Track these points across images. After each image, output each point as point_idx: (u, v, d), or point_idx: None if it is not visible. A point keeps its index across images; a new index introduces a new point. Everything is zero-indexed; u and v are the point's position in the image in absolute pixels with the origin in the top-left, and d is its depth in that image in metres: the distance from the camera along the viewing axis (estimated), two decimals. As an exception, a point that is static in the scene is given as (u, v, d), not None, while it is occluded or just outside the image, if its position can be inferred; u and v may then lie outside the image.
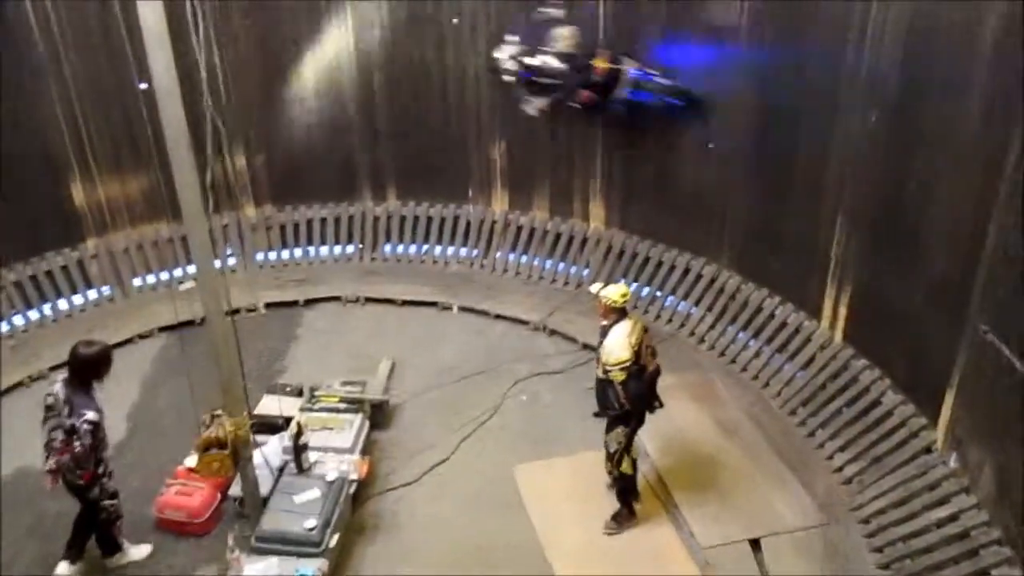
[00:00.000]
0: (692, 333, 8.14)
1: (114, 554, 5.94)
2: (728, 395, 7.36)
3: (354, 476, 6.29)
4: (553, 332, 8.35)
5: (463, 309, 8.77)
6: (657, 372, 5.99)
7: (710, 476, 6.51)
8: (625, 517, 6.17)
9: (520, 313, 8.58)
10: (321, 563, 5.56)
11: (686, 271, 8.46)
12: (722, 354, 7.87)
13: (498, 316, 8.62)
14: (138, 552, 6.04)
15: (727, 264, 8.21)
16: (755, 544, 5.98)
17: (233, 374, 5.57)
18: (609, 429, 5.96)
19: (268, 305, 8.80)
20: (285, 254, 9.65)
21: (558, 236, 9.26)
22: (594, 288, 5.98)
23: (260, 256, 9.60)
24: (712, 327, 8.08)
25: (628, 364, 5.67)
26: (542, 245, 9.31)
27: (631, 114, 7.95)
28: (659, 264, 8.65)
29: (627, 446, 5.96)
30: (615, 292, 5.86)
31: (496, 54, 8.02)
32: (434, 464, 6.84)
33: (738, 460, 6.65)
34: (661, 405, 6.04)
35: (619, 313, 5.83)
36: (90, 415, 5.33)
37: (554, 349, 8.16)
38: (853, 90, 6.45)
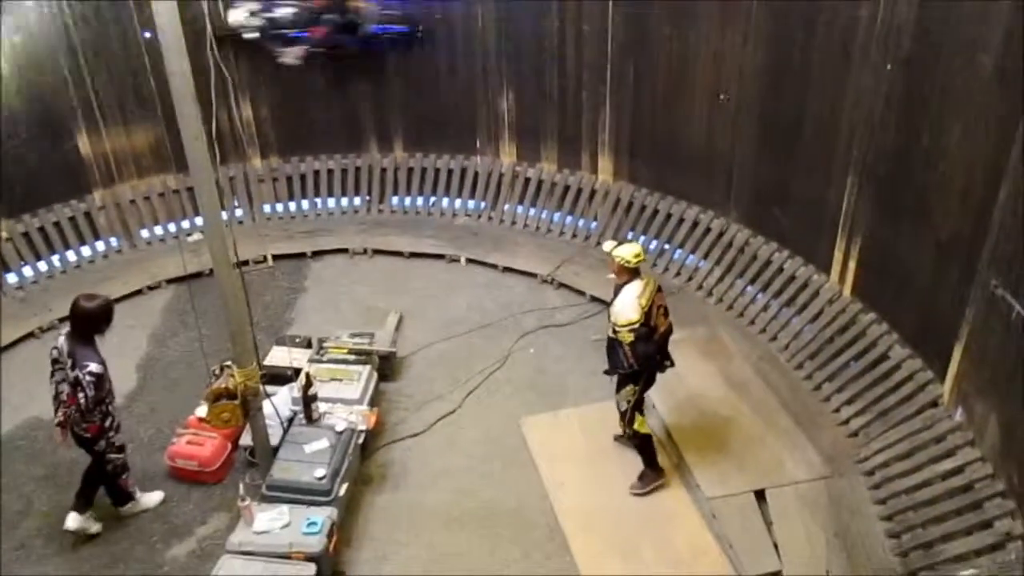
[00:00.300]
0: (700, 287, 8.13)
1: (126, 504, 6.04)
2: (736, 349, 7.38)
3: (363, 427, 6.35)
4: (561, 285, 8.35)
5: (471, 261, 8.77)
6: (669, 331, 5.94)
7: (716, 430, 6.55)
8: (650, 477, 6.13)
9: (528, 266, 8.57)
10: (331, 511, 5.65)
11: (695, 224, 8.42)
12: (730, 307, 7.86)
13: (506, 269, 8.62)
14: (150, 499, 6.15)
15: (736, 218, 8.16)
16: (760, 496, 6.04)
17: (242, 325, 5.60)
18: (619, 388, 5.95)
19: (276, 257, 8.82)
20: (292, 206, 9.64)
21: (566, 188, 9.20)
22: (607, 246, 5.88)
23: (267, 208, 9.58)
24: (720, 280, 8.07)
25: (637, 326, 5.62)
26: (550, 198, 9.27)
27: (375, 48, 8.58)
28: (668, 217, 8.60)
29: (637, 405, 5.95)
30: (628, 251, 5.75)
31: (231, 18, 8.33)
32: (442, 416, 6.90)
33: (745, 414, 6.69)
34: (672, 364, 6.00)
35: (631, 273, 5.74)
36: (93, 367, 5.37)
37: (562, 302, 8.17)
38: (867, 45, 6.34)
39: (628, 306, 5.65)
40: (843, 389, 6.73)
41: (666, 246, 8.55)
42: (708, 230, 8.32)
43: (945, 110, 5.80)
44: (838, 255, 7.12)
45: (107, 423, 5.62)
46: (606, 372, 6.00)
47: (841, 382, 6.77)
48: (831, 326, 7.07)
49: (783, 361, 7.23)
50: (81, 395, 5.38)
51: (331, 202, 9.65)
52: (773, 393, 6.89)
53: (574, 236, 9.02)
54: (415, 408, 6.99)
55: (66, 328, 5.59)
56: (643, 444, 6.10)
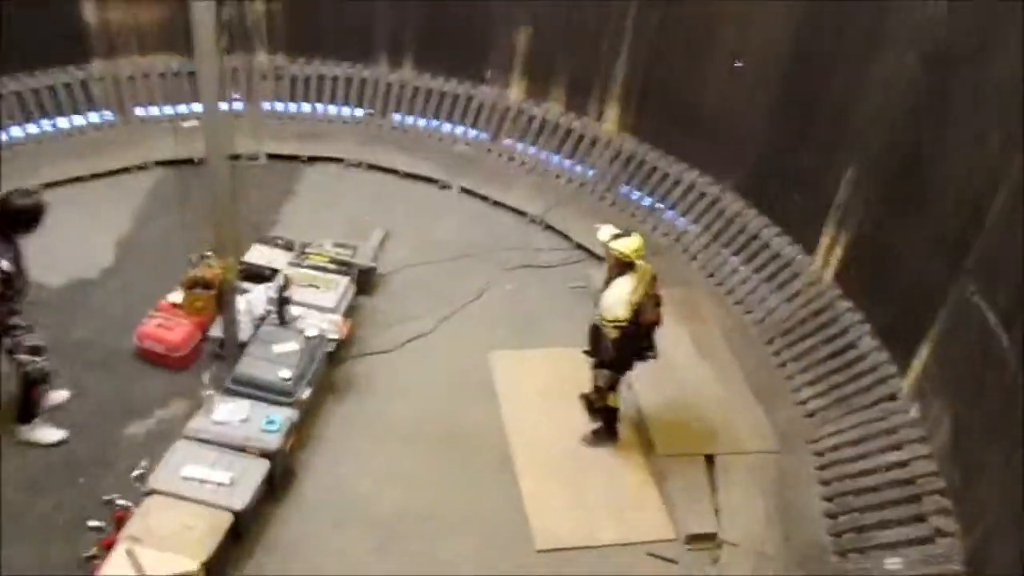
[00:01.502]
0: (685, 250, 8.17)
1: (27, 421, 5.64)
2: (710, 315, 7.45)
3: (334, 335, 6.40)
4: (549, 227, 8.35)
5: (464, 191, 8.73)
6: (657, 322, 5.81)
7: (678, 391, 6.65)
8: (603, 438, 6.21)
9: (519, 203, 8.55)
10: (291, 413, 5.72)
11: (690, 187, 8.42)
12: (711, 275, 7.91)
13: (497, 203, 8.59)
14: (46, 434, 5.65)
15: (732, 187, 8.16)
16: (710, 461, 6.17)
17: (227, 218, 5.58)
18: (597, 365, 5.92)
19: (270, 155, 8.71)
20: (292, 107, 9.50)
21: (569, 132, 9.12)
22: (603, 234, 5.56)
23: (267, 105, 9.43)
24: (706, 247, 8.10)
25: (623, 324, 5.50)
26: (552, 139, 9.20)
27: None
28: (664, 176, 8.59)
29: (611, 386, 5.96)
30: (626, 246, 5.45)
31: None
32: (413, 337, 6.95)
33: (708, 380, 6.79)
34: (655, 357, 5.90)
35: (627, 266, 5.51)
36: (3, 264, 5.08)
37: (547, 244, 8.19)
38: (896, 32, 6.28)
39: (618, 302, 5.47)
40: (807, 370, 6.84)
41: (659, 205, 8.55)
42: (703, 195, 8.32)
43: (959, 110, 5.79)
44: (826, 240, 7.16)
45: (11, 321, 5.27)
46: (586, 352, 5.97)
47: (806, 363, 6.87)
48: (807, 307, 7.15)
49: (754, 334, 7.32)
50: None
51: (332, 109, 9.51)
52: (738, 363, 6.99)
53: (570, 181, 8.98)
54: (388, 325, 7.04)
55: None
56: (607, 414, 6.17)
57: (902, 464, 5.78)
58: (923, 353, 5.99)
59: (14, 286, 5.23)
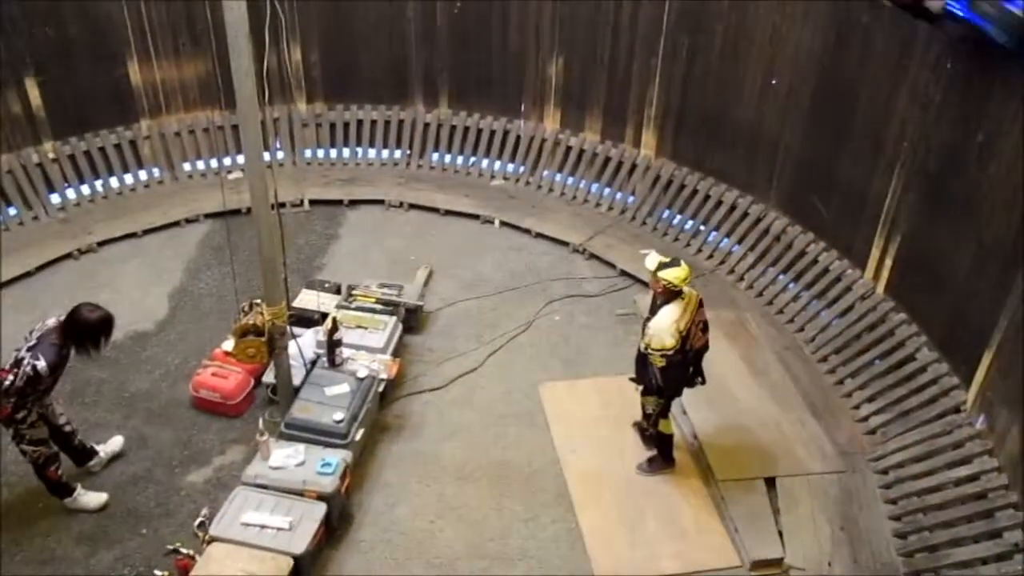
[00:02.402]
0: (732, 271, 8.08)
1: (63, 496, 5.69)
2: (761, 335, 7.34)
3: (384, 375, 6.43)
4: (592, 256, 8.33)
5: (505, 224, 8.76)
6: (704, 348, 5.76)
7: (734, 414, 6.55)
8: (659, 464, 6.12)
9: (561, 234, 8.56)
10: (346, 454, 5.75)
11: (732, 207, 8.35)
12: (760, 294, 7.81)
13: (539, 235, 8.60)
14: (91, 500, 5.72)
15: (775, 204, 8.08)
16: (770, 483, 6.05)
17: (274, 265, 5.66)
18: (645, 393, 5.86)
19: (313, 202, 8.88)
20: (333, 153, 9.65)
21: (607, 160, 9.14)
22: (650, 262, 5.48)
23: (308, 153, 9.61)
24: (753, 266, 8.01)
25: (670, 352, 5.43)
26: (590, 168, 9.21)
27: None
28: (706, 198, 8.53)
29: (662, 412, 5.89)
30: (674, 275, 5.36)
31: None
32: (462, 373, 6.96)
33: (763, 401, 6.68)
34: (703, 382, 5.85)
35: (673, 294, 5.45)
36: (40, 364, 5.11)
37: (591, 272, 8.17)
38: (930, 34, 6.20)
39: (664, 330, 5.39)
40: (865, 386, 6.69)
41: (702, 227, 8.49)
42: (746, 214, 8.24)
43: (1004, 109, 5.67)
44: (875, 251, 7.04)
45: (19, 415, 5.26)
46: (633, 380, 5.91)
47: (864, 379, 6.73)
48: (860, 322, 7.01)
49: (807, 353, 7.19)
50: (11, 376, 5.14)
51: (371, 152, 9.65)
52: (794, 383, 6.87)
53: (610, 208, 8.97)
54: (436, 363, 7.06)
55: (60, 316, 5.28)
56: (662, 440, 6.08)
57: (972, 478, 5.59)
58: (985, 362, 5.82)
59: (38, 387, 5.24)
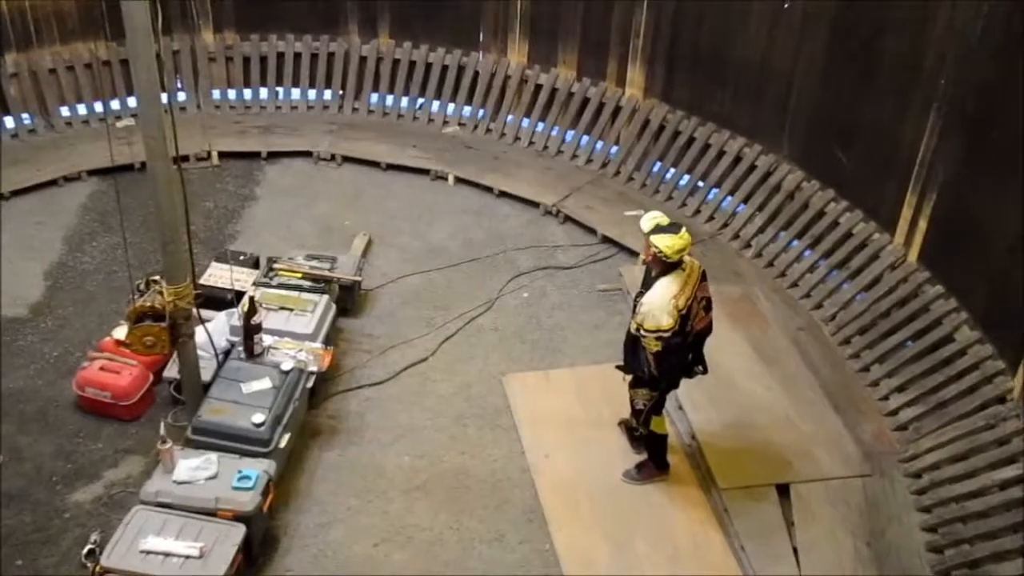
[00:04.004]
0: (737, 236, 8.15)
1: None
2: (772, 315, 7.42)
3: (314, 368, 6.40)
4: (568, 219, 8.35)
5: (460, 181, 8.74)
6: (707, 331, 5.79)
7: (739, 409, 6.62)
8: (650, 471, 6.16)
9: (530, 193, 8.56)
10: (268, 465, 5.71)
11: (737, 159, 8.39)
12: (770, 264, 7.89)
13: (503, 193, 8.60)
14: None
15: (788, 155, 8.14)
16: (783, 491, 6.13)
17: (176, 233, 5.59)
18: (634, 384, 5.89)
19: (223, 155, 8.77)
20: (248, 94, 9.56)
21: (585, 102, 9.14)
22: (645, 222, 5.46)
23: (217, 94, 9.50)
24: (761, 230, 8.08)
25: (667, 334, 5.44)
26: (564, 112, 9.21)
27: None
28: (705, 148, 8.56)
29: (655, 408, 5.92)
30: (667, 243, 5.33)
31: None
32: (410, 363, 6.95)
33: (775, 393, 6.75)
34: (704, 371, 5.89)
35: (670, 265, 5.45)
36: None
37: (567, 240, 8.19)
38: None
39: (659, 307, 5.39)
40: (895, 373, 6.79)
41: (700, 183, 8.54)
42: (753, 167, 8.30)
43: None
44: (907, 211, 7.13)
45: None
46: (620, 368, 5.93)
47: (893, 365, 6.83)
48: (889, 297, 7.11)
49: (827, 334, 7.28)
50: None
51: (295, 93, 9.58)
52: (811, 371, 6.95)
53: (589, 161, 8.98)
54: (379, 352, 7.04)
55: None
56: (654, 442, 6.13)
57: (1019, 480, 5.72)
58: (1036, 343, 5.94)
59: None
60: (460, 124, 9.42)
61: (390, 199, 8.55)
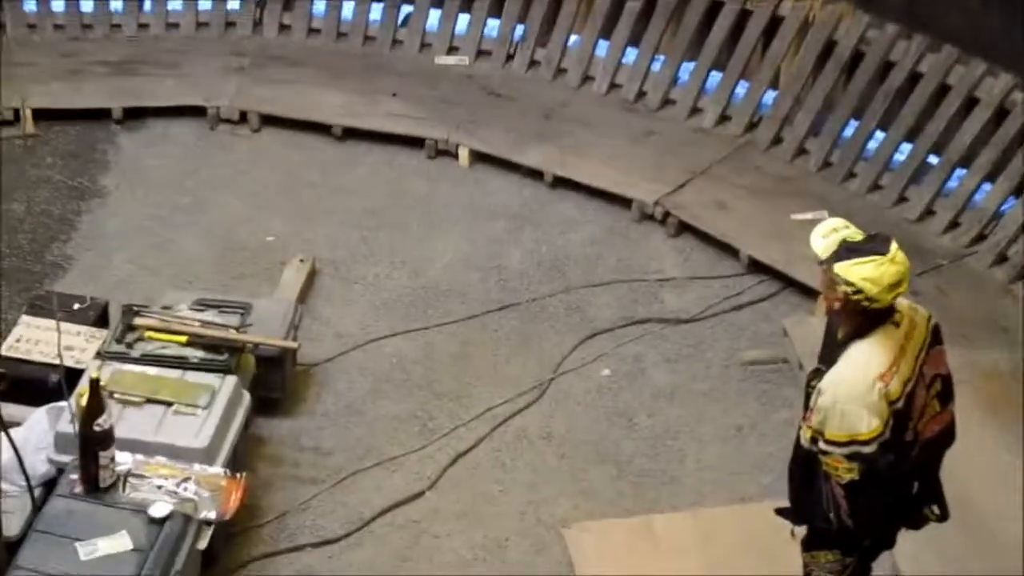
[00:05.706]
0: (1003, 256, 8.21)
1: None
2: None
3: (211, 513, 6.41)
4: (684, 227, 8.44)
5: (482, 158, 8.88)
6: (945, 438, 5.79)
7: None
8: None
9: (614, 180, 8.67)
10: None
11: (1001, 112, 8.38)
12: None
13: (560, 181, 8.71)
14: None
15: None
16: None
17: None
18: (812, 544, 5.88)
19: (43, 115, 8.92)
20: (87, 5, 9.76)
21: (714, 9, 9.21)
22: (819, 241, 5.38)
23: (32, 5, 9.69)
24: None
25: (870, 449, 5.40)
26: (675, 28, 9.28)
27: None
28: (941, 91, 8.57)
29: None
30: (870, 273, 5.23)
31: None
32: (393, 503, 6.93)
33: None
34: (943, 515, 5.86)
35: (871, 318, 5.53)
36: None
37: (683, 268, 8.28)
38: None
39: (854, 398, 5.32)
40: None
41: (932, 159, 8.61)
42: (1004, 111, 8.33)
43: None
44: None
45: None
46: (781, 513, 5.95)
47: None
48: None
49: None
50: None
51: (175, 5, 9.79)
52: None
53: (724, 119, 9.04)
54: (332, 482, 7.02)
55: None
56: None
57: None
58: None
59: None
60: (479, 51, 9.50)
61: (350, 194, 8.68)
